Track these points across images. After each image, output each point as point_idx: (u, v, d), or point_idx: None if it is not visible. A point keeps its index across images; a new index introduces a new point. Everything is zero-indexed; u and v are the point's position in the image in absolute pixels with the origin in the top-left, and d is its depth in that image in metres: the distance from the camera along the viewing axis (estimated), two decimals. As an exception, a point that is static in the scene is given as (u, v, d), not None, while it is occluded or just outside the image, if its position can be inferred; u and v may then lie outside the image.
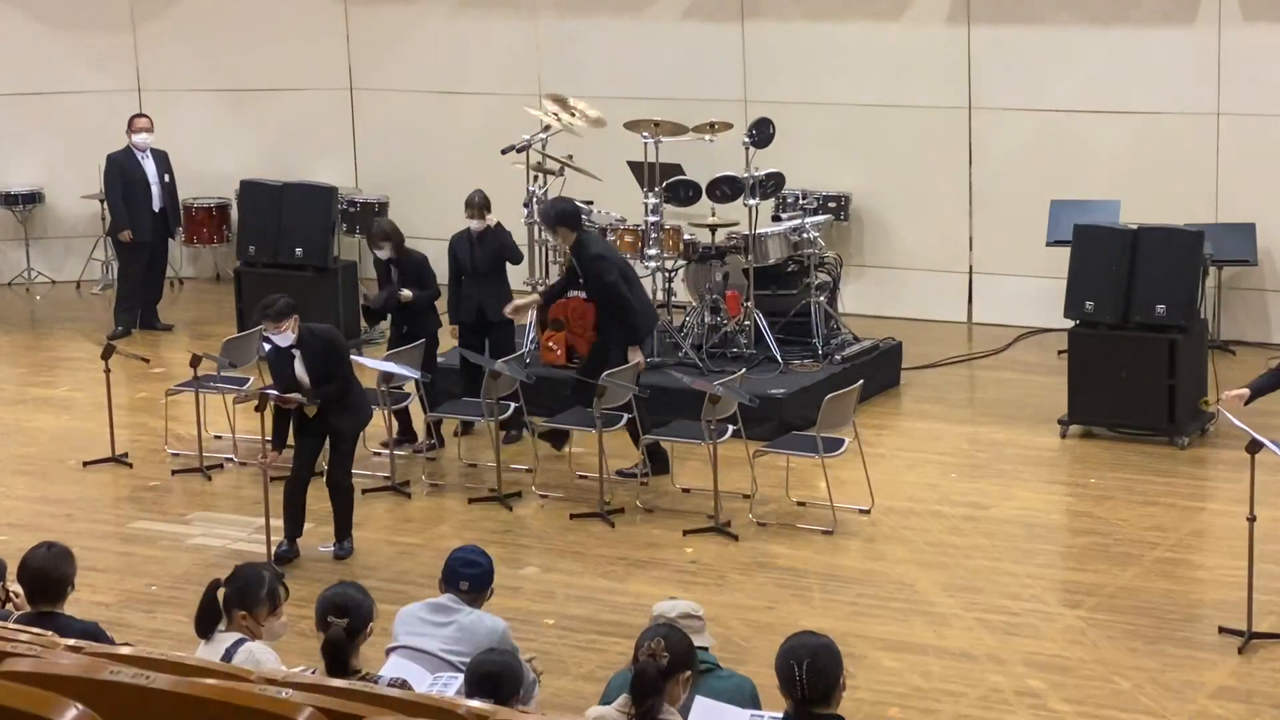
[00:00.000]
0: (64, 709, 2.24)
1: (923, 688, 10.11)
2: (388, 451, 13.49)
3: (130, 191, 17.32)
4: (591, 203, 15.56)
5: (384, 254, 13.81)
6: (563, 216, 13.54)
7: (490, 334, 13.98)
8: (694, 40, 17.62)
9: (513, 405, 13.52)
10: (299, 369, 11.82)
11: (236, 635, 7.72)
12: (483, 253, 13.96)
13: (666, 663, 6.78)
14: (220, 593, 7.82)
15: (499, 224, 14.15)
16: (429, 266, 14.14)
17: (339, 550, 12.04)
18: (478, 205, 14.12)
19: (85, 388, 14.81)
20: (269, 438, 12.03)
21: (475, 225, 13.99)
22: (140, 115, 17.53)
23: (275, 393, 12.10)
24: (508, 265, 14.32)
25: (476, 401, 13.33)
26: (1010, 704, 9.96)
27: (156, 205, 17.38)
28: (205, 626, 7.77)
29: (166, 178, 17.57)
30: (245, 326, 15.18)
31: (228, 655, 7.44)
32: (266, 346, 12.62)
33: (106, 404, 13.99)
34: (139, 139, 17.33)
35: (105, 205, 17.84)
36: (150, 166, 17.40)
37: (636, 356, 13.23)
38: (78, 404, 14.92)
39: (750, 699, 7.50)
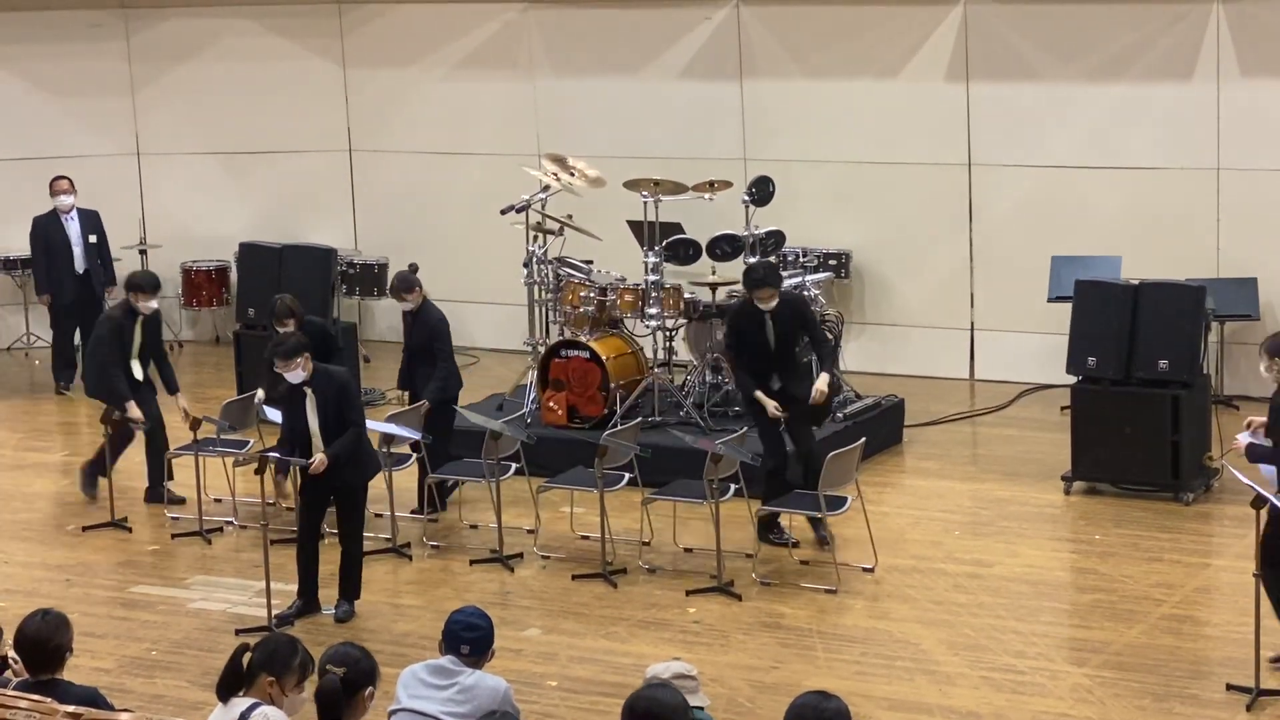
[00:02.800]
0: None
1: (929, 748, 10.12)
2: (389, 513, 13.49)
3: (52, 253, 17.36)
4: (591, 262, 15.59)
5: (288, 329, 13.61)
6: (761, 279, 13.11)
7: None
8: (692, 99, 17.68)
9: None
10: (309, 410, 11.82)
11: (252, 700, 7.71)
12: (414, 330, 13.93)
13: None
14: (247, 657, 7.81)
15: (425, 302, 13.84)
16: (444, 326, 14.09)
17: (339, 612, 12.02)
18: (395, 287, 14.06)
19: (83, 452, 14.79)
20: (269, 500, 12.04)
21: (400, 305, 13.99)
22: (61, 177, 17.50)
23: (277, 455, 12.13)
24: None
25: (477, 462, 13.34)
26: (1018, 763, 9.97)
27: (80, 267, 17.36)
28: (228, 690, 7.75)
29: (93, 238, 17.56)
30: (244, 389, 15.18)
31: (242, 718, 7.44)
32: (267, 410, 12.66)
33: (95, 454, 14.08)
34: (60, 200, 17.34)
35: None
36: (74, 228, 17.42)
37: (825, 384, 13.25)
38: (76, 468, 14.90)
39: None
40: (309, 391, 11.87)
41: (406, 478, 13.80)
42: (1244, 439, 11.69)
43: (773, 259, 15.15)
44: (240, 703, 7.70)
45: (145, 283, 13.95)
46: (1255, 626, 10.53)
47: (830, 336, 15.46)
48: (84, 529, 13.91)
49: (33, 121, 18.62)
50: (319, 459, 11.64)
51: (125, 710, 7.14)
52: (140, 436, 14.08)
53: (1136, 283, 14.41)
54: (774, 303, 12.85)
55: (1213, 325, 14.90)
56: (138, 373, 13.91)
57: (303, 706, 7.85)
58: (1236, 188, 16.04)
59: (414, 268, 14.06)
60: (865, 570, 12.63)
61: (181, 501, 14.13)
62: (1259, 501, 10.46)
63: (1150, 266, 15.17)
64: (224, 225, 18.74)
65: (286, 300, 13.89)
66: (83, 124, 18.89)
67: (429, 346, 13.69)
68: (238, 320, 17.82)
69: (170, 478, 14.22)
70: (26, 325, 18.68)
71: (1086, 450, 14.13)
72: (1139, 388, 13.96)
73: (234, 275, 18.52)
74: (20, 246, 18.48)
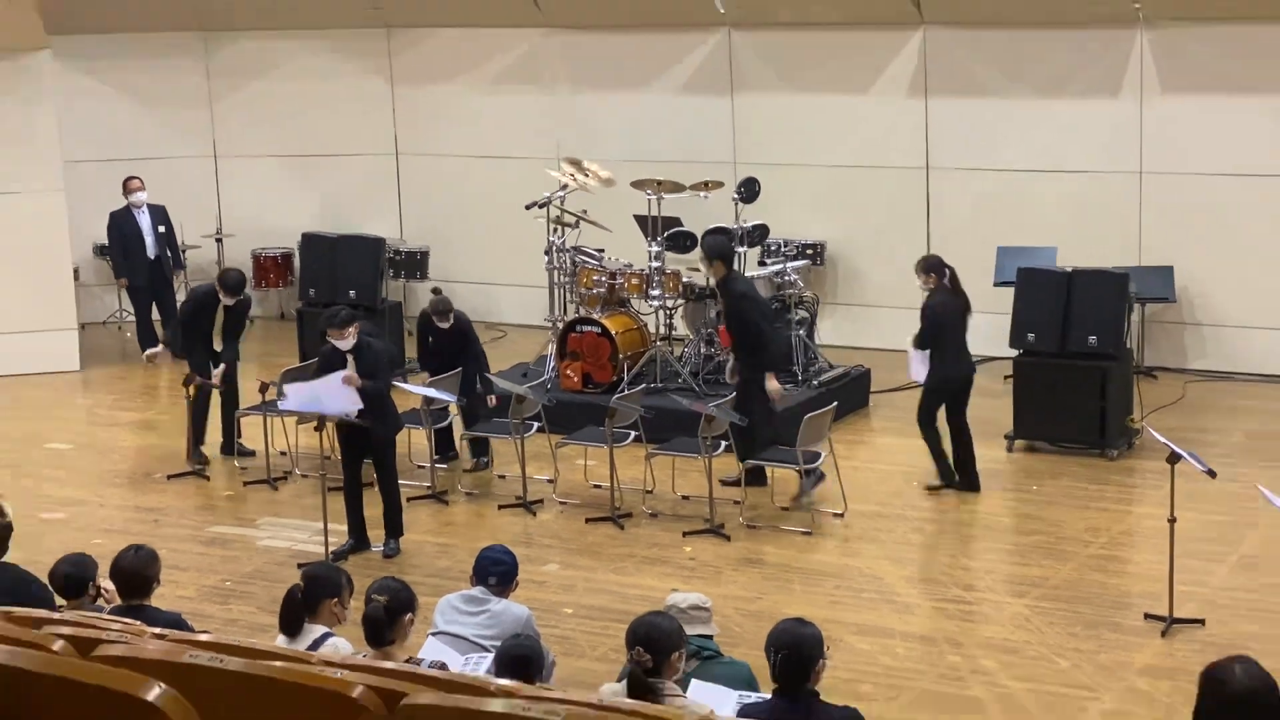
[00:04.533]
0: (149, 688, 2.23)
1: (891, 667, 10.10)
2: (429, 465, 13.53)
3: (127, 244, 17.28)
4: (603, 250, 15.56)
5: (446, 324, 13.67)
6: (720, 252, 13.34)
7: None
8: (690, 111, 17.64)
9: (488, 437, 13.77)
10: (350, 370, 11.82)
11: (323, 629, 7.72)
12: (452, 334, 13.74)
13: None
14: (299, 595, 7.83)
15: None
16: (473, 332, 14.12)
17: (387, 549, 12.04)
18: (437, 310, 13.68)
19: (169, 411, 14.82)
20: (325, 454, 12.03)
21: (440, 324, 13.72)
22: (132, 177, 17.41)
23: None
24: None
25: (505, 421, 13.37)
26: (966, 680, 9.95)
27: (151, 254, 17.28)
28: (291, 627, 7.76)
29: (161, 229, 17.47)
30: (306, 358, 15.17)
31: (314, 647, 7.44)
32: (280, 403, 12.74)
33: (187, 425, 14.07)
34: (133, 198, 17.27)
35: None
36: (145, 221, 17.32)
37: (773, 383, 13.14)
38: (163, 425, 14.93)
39: (746, 683, 7.46)
40: (350, 357, 11.89)
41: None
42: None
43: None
44: (312, 630, 7.71)
45: (227, 283, 13.95)
46: (1169, 565, 10.53)
47: (808, 315, 15.51)
48: (169, 477, 13.92)
49: (125, 128, 18.59)
50: (350, 374, 11.62)
51: (204, 632, 7.15)
52: (216, 397, 14.07)
53: (1070, 270, 14.40)
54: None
55: (1135, 306, 14.88)
56: (216, 345, 13.91)
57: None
58: (1156, 188, 16.01)
59: (438, 290, 14.09)
60: (836, 515, 12.63)
61: (251, 454, 14.13)
62: (1173, 458, 10.48)
63: (1081, 256, 15.14)
64: (288, 218, 18.71)
65: (445, 298, 13.85)
66: (168, 131, 18.85)
67: (465, 347, 13.73)
68: (300, 299, 17.82)
69: (239, 435, 14.22)
70: (119, 303, 18.67)
71: (1026, 413, 14.13)
72: (1072, 360, 13.94)
73: (297, 261, 18.49)
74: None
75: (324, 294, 16.88)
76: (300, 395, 12.19)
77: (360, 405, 11.67)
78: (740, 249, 15.17)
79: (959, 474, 13.14)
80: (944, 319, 13.04)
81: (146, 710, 2.23)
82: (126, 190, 17.25)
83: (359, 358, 11.85)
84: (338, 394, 11.69)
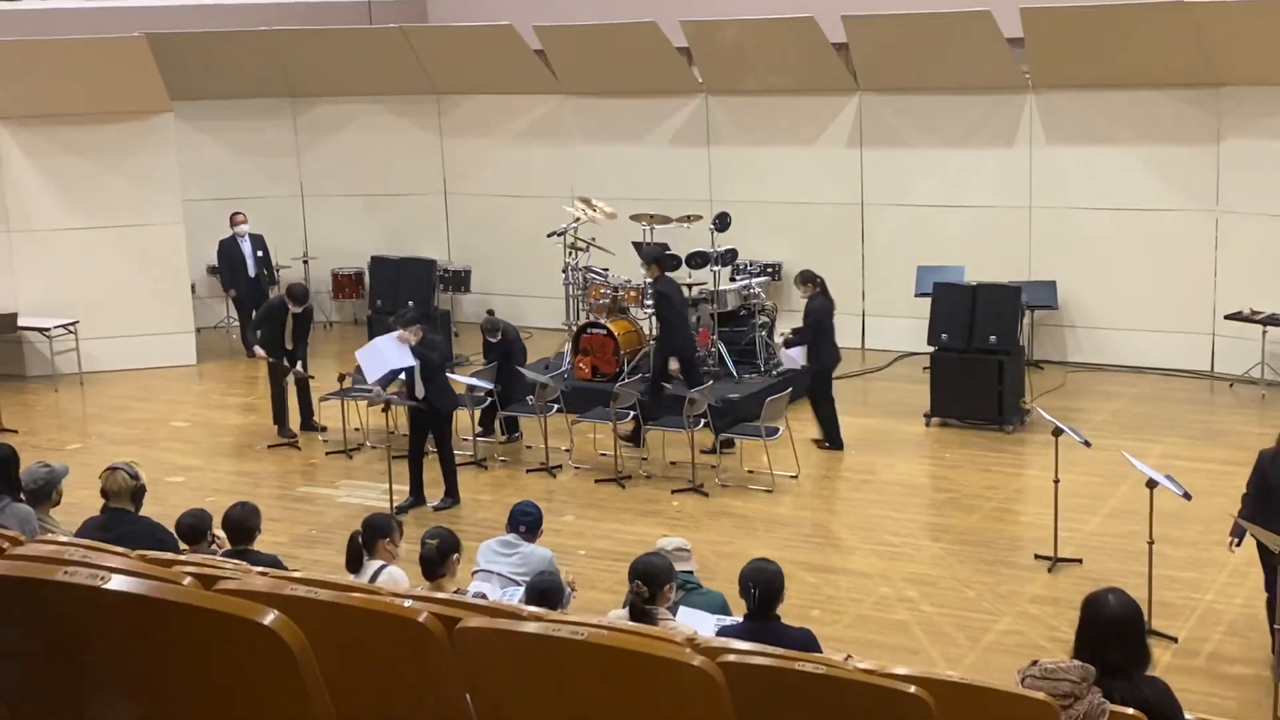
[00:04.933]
0: (265, 614, 2.24)
1: (834, 596, 10.16)
2: (472, 439, 13.57)
3: (233, 265, 17.31)
4: (607, 269, 15.56)
5: (495, 340, 13.81)
6: (655, 258, 13.80)
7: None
8: (675, 159, 17.66)
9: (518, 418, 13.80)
10: (403, 331, 11.96)
11: (380, 563, 7.75)
12: (498, 347, 13.85)
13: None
14: (360, 539, 7.87)
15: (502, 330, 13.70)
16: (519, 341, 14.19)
17: (440, 504, 12.08)
18: (486, 328, 13.98)
19: (265, 397, 14.79)
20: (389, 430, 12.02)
21: (490, 338, 13.97)
22: (238, 213, 17.36)
23: (393, 397, 12.18)
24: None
25: (532, 403, 13.40)
26: (893, 607, 10.00)
27: (251, 273, 17.27)
28: (353, 564, 7.82)
29: (260, 253, 17.44)
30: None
31: (374, 578, 7.47)
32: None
33: (274, 407, 14.20)
34: (238, 229, 17.25)
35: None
36: (247, 247, 17.29)
37: (674, 364, 13.48)
38: (260, 408, 14.92)
39: (720, 608, 7.51)
40: (419, 352, 11.99)
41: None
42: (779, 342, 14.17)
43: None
44: (371, 565, 7.75)
45: (294, 294, 14.03)
46: (1054, 516, 10.57)
47: (769, 320, 15.51)
48: (269, 446, 13.97)
49: (230, 174, 18.59)
50: (403, 333, 11.87)
51: (296, 570, 7.15)
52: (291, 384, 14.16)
53: (974, 284, 14.45)
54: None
55: (1026, 312, 14.91)
56: (288, 344, 13.93)
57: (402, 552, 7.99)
58: (1042, 219, 16.04)
59: (491, 312, 14.20)
60: (791, 477, 12.67)
61: (324, 429, 14.20)
62: (1056, 431, 10.50)
63: (983, 273, 15.18)
64: (360, 244, 18.73)
65: (495, 319, 14.05)
66: (264, 175, 18.84)
67: (511, 355, 13.75)
68: (369, 308, 17.91)
69: (316, 414, 14.29)
70: (226, 312, 18.68)
71: (940, 396, 14.16)
72: (976, 354, 13.97)
73: (367, 278, 18.51)
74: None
75: (388, 304, 16.95)
76: (367, 354, 12.36)
77: (411, 361, 11.92)
78: (715, 268, 15.23)
79: (830, 438, 13.46)
80: (823, 318, 13.58)
81: (264, 632, 2.24)
82: (233, 223, 17.25)
83: (423, 346, 12.03)
84: (394, 348, 11.97)
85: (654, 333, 14.08)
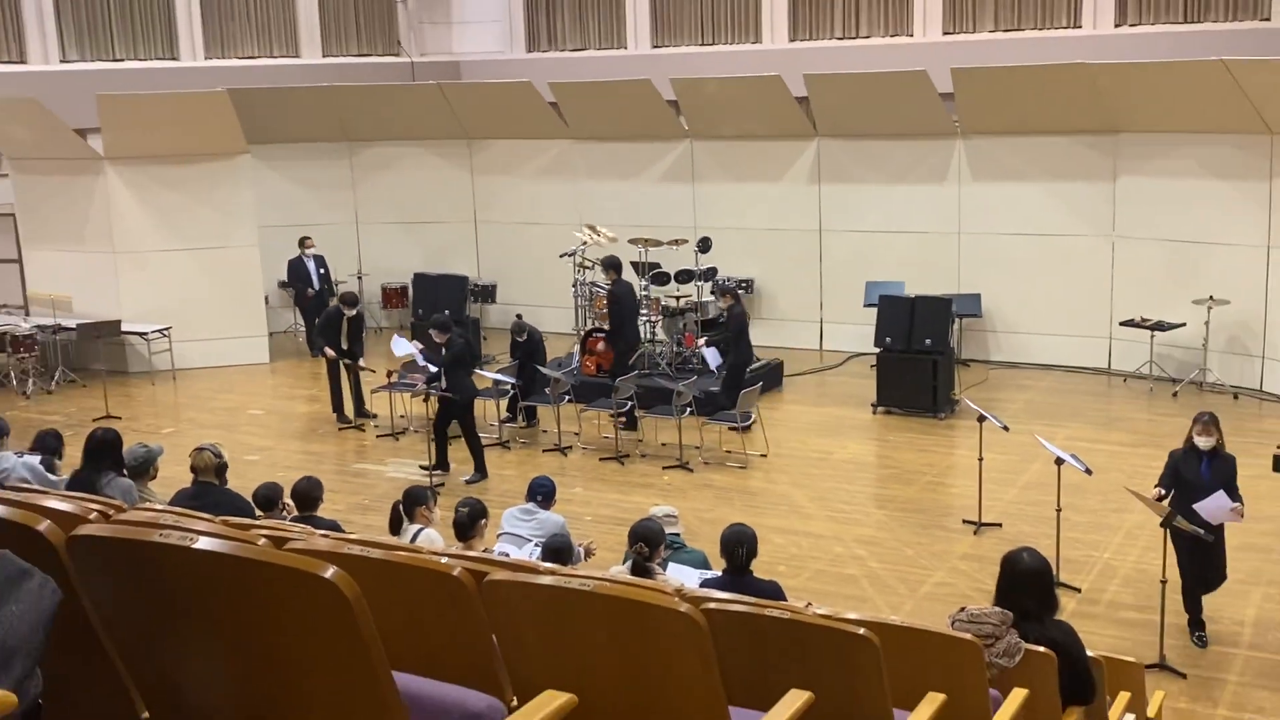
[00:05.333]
0: (326, 568, 2.24)
1: (796, 555, 10.17)
2: (498, 424, 13.55)
3: (300, 279, 17.34)
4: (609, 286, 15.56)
5: (521, 339, 13.77)
6: (611, 264, 13.98)
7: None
8: (666, 192, 17.66)
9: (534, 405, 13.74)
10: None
11: (417, 526, 7.76)
12: (524, 346, 13.77)
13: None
14: (400, 507, 7.89)
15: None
16: (543, 344, 14.14)
17: (471, 478, 12.07)
18: (515, 329, 13.93)
19: (326, 389, 14.77)
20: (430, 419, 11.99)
21: (517, 337, 13.90)
22: (306, 237, 17.38)
23: (429, 388, 12.20)
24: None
25: (547, 395, 13.39)
26: (846, 563, 10.01)
27: (315, 287, 17.27)
28: (394, 527, 7.84)
29: (322, 270, 17.44)
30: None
31: (413, 539, 7.48)
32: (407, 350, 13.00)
33: (332, 396, 14.11)
34: (306, 251, 17.30)
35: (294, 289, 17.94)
36: (311, 265, 17.31)
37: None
38: (322, 399, 14.90)
39: (702, 563, 7.52)
40: (444, 350, 12.12)
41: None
42: (701, 343, 14.31)
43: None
44: (410, 528, 7.76)
45: (346, 300, 14.07)
46: (979, 487, 10.58)
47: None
48: (340, 429, 14.04)
49: (297, 205, 18.57)
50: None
51: (353, 534, 7.15)
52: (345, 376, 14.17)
53: (913, 296, 14.46)
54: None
55: (955, 320, 14.92)
56: (344, 344, 13.89)
57: (437, 518, 7.99)
58: (969, 242, 16.05)
59: (520, 317, 14.16)
60: (761, 456, 12.68)
61: (374, 416, 14.18)
62: (980, 418, 10.51)
63: (920, 287, 15.19)
64: (405, 262, 18.71)
65: (523, 322, 14.05)
66: (325, 206, 18.82)
67: (534, 353, 13.70)
68: (413, 316, 17.87)
69: (368, 404, 14.29)
70: (294, 319, 18.67)
71: (884, 389, 14.18)
72: (914, 354, 13.99)
73: (410, 291, 18.49)
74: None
75: (428, 313, 16.80)
76: (401, 344, 13.17)
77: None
78: (699, 283, 15.24)
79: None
80: (743, 324, 13.66)
81: (325, 584, 2.24)
82: (302, 246, 17.27)
83: (448, 345, 12.15)
84: (402, 347, 13.09)
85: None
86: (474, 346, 14.58)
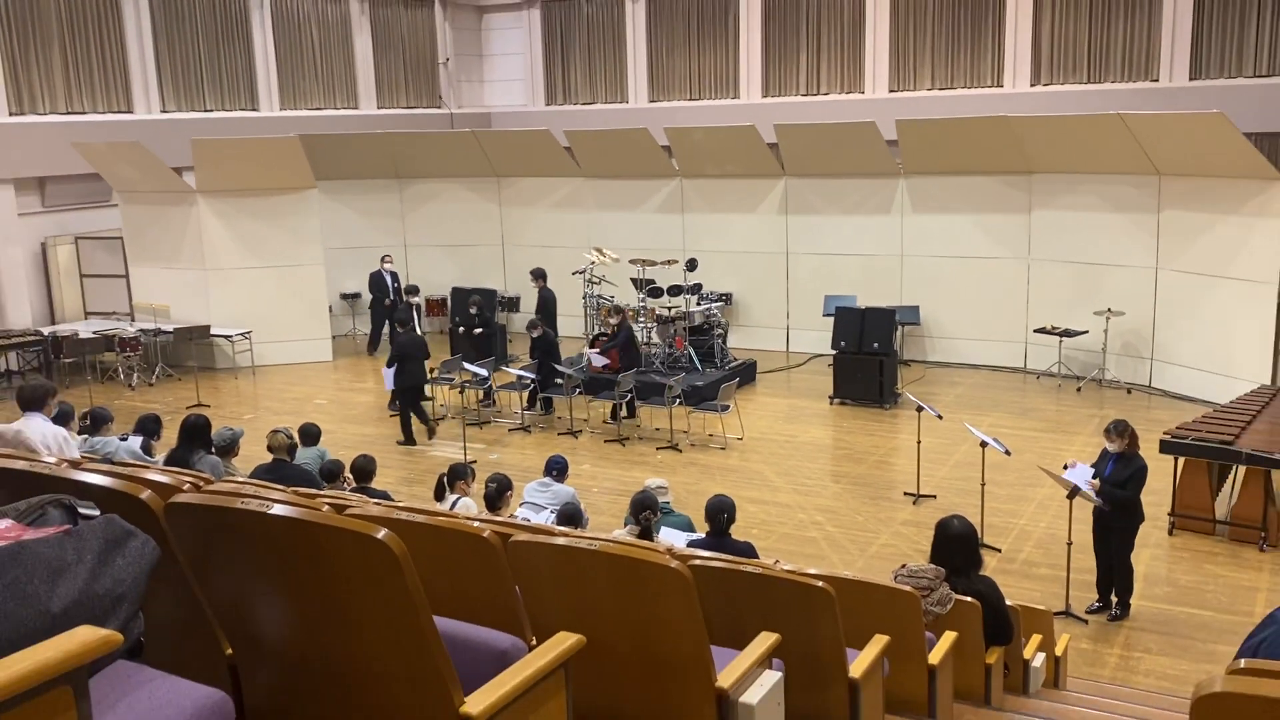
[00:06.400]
0: (377, 530, 2.24)
1: (767, 521, 10.15)
2: (523, 409, 13.50)
3: (379, 290, 17.33)
4: (613, 297, 15.55)
5: (536, 334, 13.67)
6: (539, 274, 14.54)
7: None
8: (660, 222, 17.62)
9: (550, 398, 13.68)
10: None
11: (456, 496, 7.74)
12: (538, 343, 13.61)
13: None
14: (445, 478, 7.85)
15: (543, 330, 13.64)
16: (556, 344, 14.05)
17: (494, 457, 12.02)
18: (530, 326, 13.81)
19: (380, 383, 14.78)
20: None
21: (531, 333, 13.71)
22: (386, 255, 17.52)
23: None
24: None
25: (560, 388, 13.35)
26: (808, 529, 9.99)
27: (391, 298, 17.28)
28: (438, 495, 7.81)
29: (396, 284, 17.47)
30: (454, 353, 15.17)
31: (453, 506, 7.45)
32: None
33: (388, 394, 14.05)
34: (384, 266, 17.35)
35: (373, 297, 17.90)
36: (388, 279, 17.33)
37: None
38: (377, 391, 14.88)
39: (687, 526, 7.50)
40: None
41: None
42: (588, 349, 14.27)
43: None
44: (451, 497, 7.73)
45: (410, 290, 14.14)
46: (917, 465, 10.57)
47: (723, 331, 15.49)
48: (390, 415, 13.89)
49: (356, 230, 18.56)
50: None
51: (401, 503, 7.14)
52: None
53: (864, 307, 14.43)
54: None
55: (899, 327, 14.91)
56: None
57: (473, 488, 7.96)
58: (911, 264, 16.03)
59: (534, 322, 14.04)
60: (737, 439, 12.66)
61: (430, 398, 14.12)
62: (919, 409, 10.49)
63: (870, 300, 15.20)
64: (444, 277, 18.68)
65: (536, 320, 14.00)
66: (379, 231, 18.79)
67: (549, 350, 13.65)
68: (450, 322, 17.79)
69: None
70: (353, 324, 18.65)
71: (840, 384, 14.16)
72: (864, 355, 13.97)
73: (449, 301, 18.44)
74: (350, 287, 18.47)
75: (464, 322, 16.85)
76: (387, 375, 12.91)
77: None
78: (687, 296, 15.22)
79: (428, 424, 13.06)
80: (630, 336, 13.69)
81: (378, 544, 2.23)
82: (382, 261, 17.38)
83: (541, 339, 12.86)
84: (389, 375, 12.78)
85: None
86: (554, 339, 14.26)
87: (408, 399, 12.63)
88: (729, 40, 22.00)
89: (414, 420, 12.85)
